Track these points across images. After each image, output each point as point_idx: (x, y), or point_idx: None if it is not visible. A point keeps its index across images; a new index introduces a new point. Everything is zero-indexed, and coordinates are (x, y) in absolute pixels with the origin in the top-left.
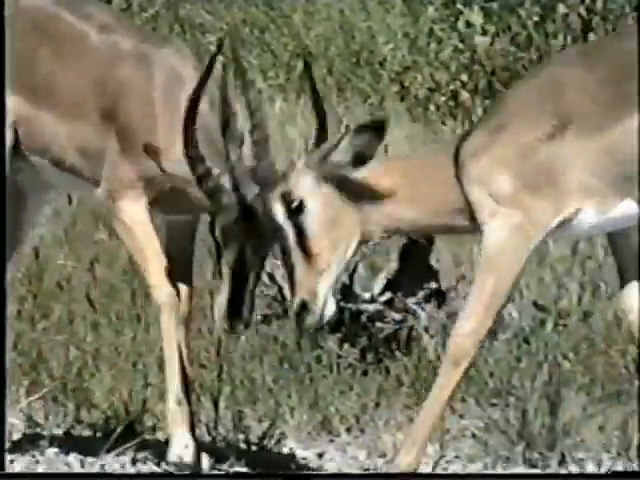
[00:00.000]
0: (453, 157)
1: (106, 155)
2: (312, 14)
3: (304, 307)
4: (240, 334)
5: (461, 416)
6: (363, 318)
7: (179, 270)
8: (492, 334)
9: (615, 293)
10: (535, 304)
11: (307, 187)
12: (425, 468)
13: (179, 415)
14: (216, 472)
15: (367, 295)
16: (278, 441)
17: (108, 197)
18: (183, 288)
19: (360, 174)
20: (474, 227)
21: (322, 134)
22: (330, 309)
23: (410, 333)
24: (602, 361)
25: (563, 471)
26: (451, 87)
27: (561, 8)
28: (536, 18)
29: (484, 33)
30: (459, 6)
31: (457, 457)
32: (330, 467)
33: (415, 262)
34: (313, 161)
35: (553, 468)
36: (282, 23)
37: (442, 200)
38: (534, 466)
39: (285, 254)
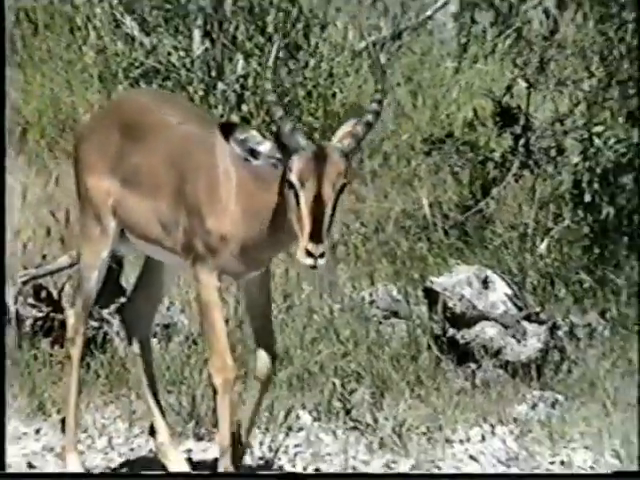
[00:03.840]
0: None
1: (179, 229)
2: None
3: None
4: (318, 267)
5: None
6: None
7: (260, 334)
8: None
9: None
10: None
11: None
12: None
13: None
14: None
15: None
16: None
17: (191, 265)
18: (263, 356)
19: None
20: None
21: None
22: None
23: (105, 337)
24: None
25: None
26: None
27: (220, 86)
28: (201, 92)
29: None
30: None
31: (142, 432)
32: (45, 440)
33: (108, 281)
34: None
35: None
36: None
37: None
38: (201, 439)
39: None
